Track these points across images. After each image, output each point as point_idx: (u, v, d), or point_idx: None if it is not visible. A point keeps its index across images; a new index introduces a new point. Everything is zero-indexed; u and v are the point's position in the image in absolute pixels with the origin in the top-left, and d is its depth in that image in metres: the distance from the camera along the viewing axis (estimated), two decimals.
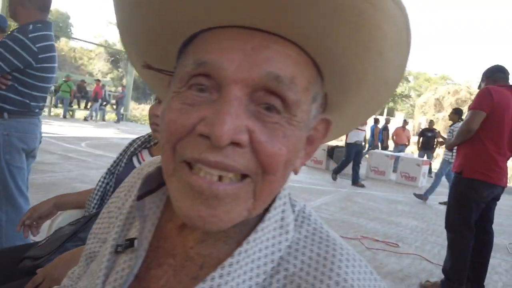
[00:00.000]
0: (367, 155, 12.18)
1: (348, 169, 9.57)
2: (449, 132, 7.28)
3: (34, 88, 2.41)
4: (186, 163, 0.44)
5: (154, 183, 0.58)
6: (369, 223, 5.82)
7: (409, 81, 52.20)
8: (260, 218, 0.51)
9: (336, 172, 9.52)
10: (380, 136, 15.29)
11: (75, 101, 19.62)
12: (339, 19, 0.41)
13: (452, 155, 7.51)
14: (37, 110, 2.50)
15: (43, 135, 2.68)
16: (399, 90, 47.87)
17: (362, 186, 9.36)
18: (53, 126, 13.03)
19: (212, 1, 0.42)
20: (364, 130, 9.72)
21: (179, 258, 0.52)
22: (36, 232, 1.67)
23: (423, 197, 8.35)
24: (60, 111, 18.32)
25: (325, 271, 0.47)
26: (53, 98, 18.07)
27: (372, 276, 0.50)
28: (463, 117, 4.11)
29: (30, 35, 2.30)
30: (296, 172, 0.52)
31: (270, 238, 0.50)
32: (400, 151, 13.28)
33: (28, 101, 2.40)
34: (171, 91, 0.47)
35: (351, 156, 9.22)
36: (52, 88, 17.92)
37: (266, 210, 0.51)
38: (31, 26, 2.33)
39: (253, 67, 0.42)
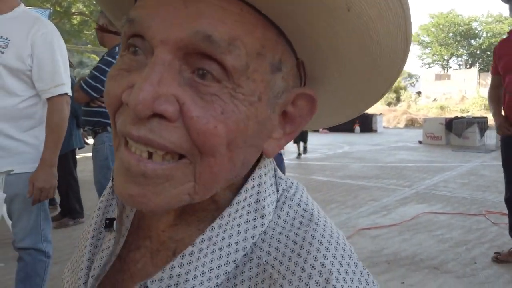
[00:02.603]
0: None
1: (471, 141, 8.60)
2: None
3: None
4: (124, 139, 0.40)
5: None
6: (497, 197, 5.15)
7: None
8: (231, 201, 0.46)
9: None
10: None
11: None
12: None
13: None
14: None
15: None
16: None
17: None
18: None
19: None
20: None
21: (154, 241, 0.49)
22: None
23: None
24: None
25: (299, 261, 0.41)
26: None
27: (358, 269, 0.42)
28: None
29: (117, 56, 2.61)
30: (268, 155, 0.45)
31: (243, 223, 0.45)
32: None
33: None
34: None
35: None
36: None
37: (238, 192, 0.46)
38: (117, 48, 2.66)
39: (182, 25, 0.36)
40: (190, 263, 0.43)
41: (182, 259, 0.43)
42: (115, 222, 0.52)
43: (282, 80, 0.42)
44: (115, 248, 0.51)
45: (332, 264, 0.41)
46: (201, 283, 0.42)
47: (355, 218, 4.39)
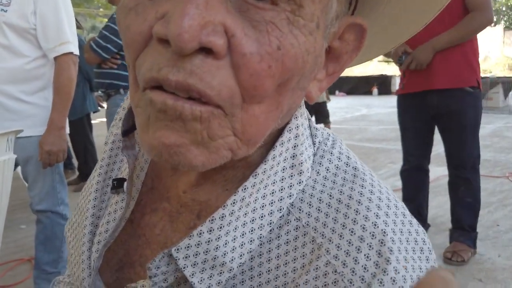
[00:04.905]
0: None
1: (495, 102, 8.31)
2: None
3: None
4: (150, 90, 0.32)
5: None
6: None
7: None
8: (265, 156, 0.40)
9: None
10: None
11: None
12: None
13: None
14: None
15: None
16: None
17: None
18: None
19: None
20: None
21: (173, 203, 0.44)
22: None
23: None
24: None
25: (347, 223, 0.36)
26: None
27: (412, 227, 0.38)
28: None
29: None
30: (311, 100, 0.39)
31: (278, 181, 0.39)
32: None
33: None
34: None
35: None
36: None
37: (271, 146, 0.40)
38: None
39: None
40: (221, 228, 0.37)
41: (211, 223, 0.37)
42: (125, 183, 0.45)
43: (338, 3, 0.35)
44: (125, 212, 0.44)
45: (385, 223, 0.35)
46: (233, 249, 0.37)
47: None
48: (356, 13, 0.40)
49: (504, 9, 41.92)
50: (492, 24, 2.32)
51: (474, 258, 2.54)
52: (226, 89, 0.30)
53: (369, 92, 17.39)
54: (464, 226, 2.55)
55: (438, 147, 6.27)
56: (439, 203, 3.55)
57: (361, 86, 17.71)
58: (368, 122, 8.41)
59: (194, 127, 0.31)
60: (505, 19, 41.23)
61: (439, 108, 2.50)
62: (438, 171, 4.58)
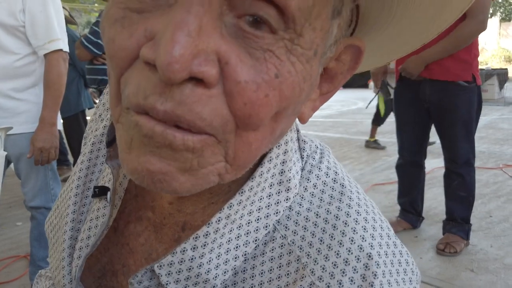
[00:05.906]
0: None
1: (490, 94, 8.33)
2: None
3: None
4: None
5: None
6: None
7: None
8: (252, 172, 0.39)
9: None
10: None
11: None
12: None
13: None
14: None
15: None
16: None
17: None
18: None
19: None
20: None
21: (157, 213, 0.43)
22: None
23: None
24: None
25: (333, 244, 0.36)
26: None
27: (397, 249, 0.38)
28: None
29: None
30: (304, 120, 0.38)
31: (265, 197, 0.39)
32: None
33: None
34: None
35: None
36: None
37: (259, 162, 0.39)
38: None
39: None
40: (204, 245, 0.37)
41: (195, 241, 0.37)
42: (109, 193, 0.44)
43: (338, 28, 0.34)
44: (108, 221, 0.44)
45: (371, 246, 0.36)
46: (217, 266, 0.37)
47: (369, 174, 4.35)
48: (355, 32, 0.39)
49: (500, 0, 41.83)
50: (488, 16, 2.29)
51: (466, 249, 2.57)
52: (218, 118, 0.29)
53: (365, 86, 17.37)
54: (457, 218, 2.56)
55: (432, 139, 6.30)
56: (434, 195, 3.58)
57: (357, 79, 17.68)
58: (364, 116, 8.41)
59: (185, 156, 0.30)
60: (501, 10, 41.14)
61: (431, 102, 2.50)
62: (433, 163, 4.61)
